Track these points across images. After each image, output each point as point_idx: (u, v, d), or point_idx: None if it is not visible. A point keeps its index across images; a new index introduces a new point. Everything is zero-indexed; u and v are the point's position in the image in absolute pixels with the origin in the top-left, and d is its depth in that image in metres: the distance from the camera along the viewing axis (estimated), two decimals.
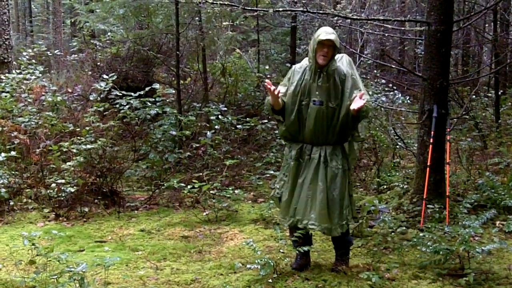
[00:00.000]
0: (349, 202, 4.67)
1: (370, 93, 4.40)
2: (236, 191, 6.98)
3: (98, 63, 11.47)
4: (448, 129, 6.21)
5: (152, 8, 10.60)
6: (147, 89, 8.08)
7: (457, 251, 4.68)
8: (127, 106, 7.71)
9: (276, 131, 9.67)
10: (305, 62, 4.73)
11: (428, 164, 5.94)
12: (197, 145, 8.46)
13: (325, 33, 4.45)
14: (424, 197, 5.89)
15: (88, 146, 7.01)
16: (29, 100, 8.56)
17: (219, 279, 4.68)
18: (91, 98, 8.46)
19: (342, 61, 4.69)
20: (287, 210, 4.71)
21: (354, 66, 4.77)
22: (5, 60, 10.39)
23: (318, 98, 4.54)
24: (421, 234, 5.10)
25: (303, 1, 6.69)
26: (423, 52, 6.54)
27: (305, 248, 4.70)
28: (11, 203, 6.72)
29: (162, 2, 10.36)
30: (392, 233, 5.55)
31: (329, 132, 4.58)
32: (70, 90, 10.54)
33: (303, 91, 4.60)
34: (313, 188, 4.57)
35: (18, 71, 9.30)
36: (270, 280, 4.49)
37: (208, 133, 8.43)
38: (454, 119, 8.13)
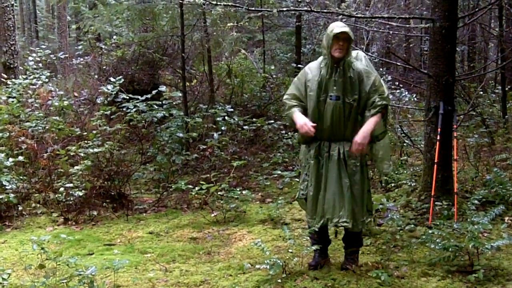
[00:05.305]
0: (367, 198, 4.71)
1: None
2: (243, 192, 6.97)
3: (104, 67, 11.50)
4: (455, 126, 6.19)
5: (157, 11, 10.62)
6: (153, 92, 8.09)
7: (466, 248, 4.67)
8: (133, 109, 7.73)
9: (283, 131, 9.66)
10: (317, 61, 4.72)
11: (436, 161, 5.92)
12: (204, 146, 8.47)
13: (338, 27, 4.47)
14: (432, 194, 5.87)
15: (96, 150, 7.04)
16: (36, 105, 8.59)
17: (228, 280, 4.68)
18: (98, 102, 8.49)
19: (360, 58, 4.77)
20: (315, 210, 4.69)
21: (370, 63, 4.82)
22: (11, 66, 10.46)
23: (335, 93, 4.53)
24: (429, 231, 5.08)
25: (307, 1, 6.70)
26: (428, 49, 6.52)
27: (315, 247, 4.73)
28: (20, 208, 6.75)
29: (166, 5, 10.38)
30: (401, 231, 5.53)
31: (347, 127, 4.58)
32: (76, 94, 10.58)
33: (320, 88, 4.58)
34: (339, 186, 4.56)
35: (24, 76, 9.34)
36: (279, 280, 4.49)
37: (215, 134, 8.44)
38: (461, 116, 8.10)
